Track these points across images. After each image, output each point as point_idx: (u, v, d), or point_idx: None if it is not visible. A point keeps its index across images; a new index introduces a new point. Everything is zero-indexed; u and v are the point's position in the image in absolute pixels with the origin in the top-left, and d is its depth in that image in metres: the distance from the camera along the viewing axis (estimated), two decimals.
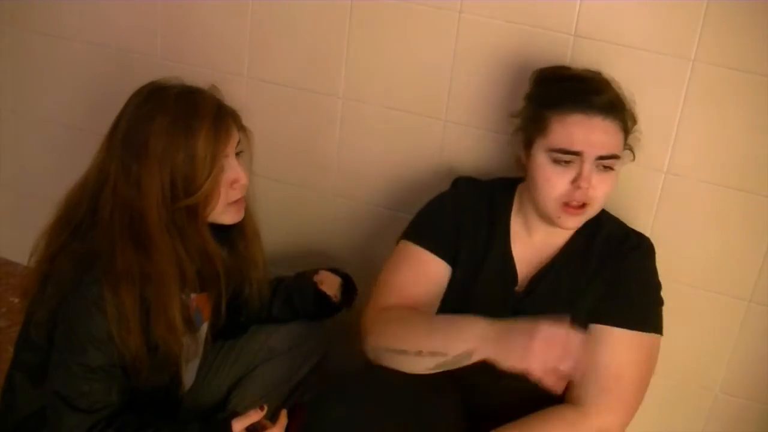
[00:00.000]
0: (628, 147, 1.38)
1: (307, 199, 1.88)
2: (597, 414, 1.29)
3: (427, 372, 1.26)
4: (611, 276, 1.36)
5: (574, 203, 1.30)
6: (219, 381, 1.62)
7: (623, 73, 1.49)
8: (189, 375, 1.48)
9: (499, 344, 1.15)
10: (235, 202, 1.36)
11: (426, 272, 1.41)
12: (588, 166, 1.27)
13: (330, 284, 1.64)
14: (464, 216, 1.44)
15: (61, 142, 2.06)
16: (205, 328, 1.48)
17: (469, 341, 1.19)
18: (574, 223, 1.33)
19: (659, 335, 1.36)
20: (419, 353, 1.25)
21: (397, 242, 1.49)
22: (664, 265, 1.47)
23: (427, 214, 1.49)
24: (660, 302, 1.39)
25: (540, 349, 1.11)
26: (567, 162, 1.29)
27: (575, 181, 1.28)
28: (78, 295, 1.23)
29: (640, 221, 1.56)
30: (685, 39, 1.45)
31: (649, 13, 1.46)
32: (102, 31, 1.91)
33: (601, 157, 1.27)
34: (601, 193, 1.30)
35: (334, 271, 1.68)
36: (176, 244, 1.29)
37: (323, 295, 1.62)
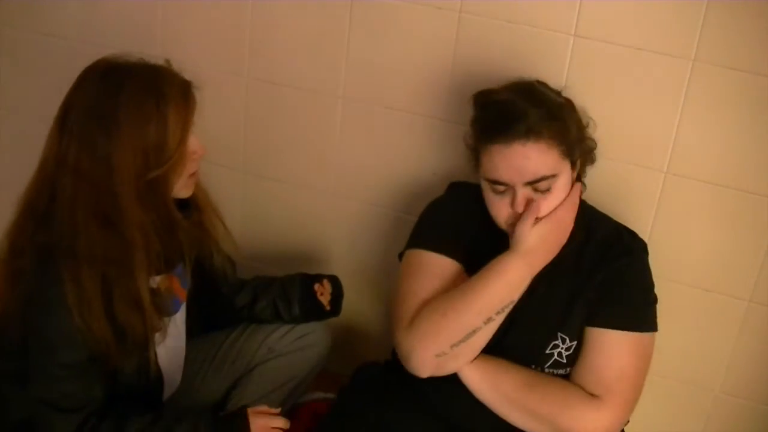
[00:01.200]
0: (585, 147, 1.37)
1: (307, 199, 1.88)
2: (602, 409, 1.32)
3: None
4: (605, 279, 1.37)
5: None
6: (218, 381, 1.61)
7: (623, 73, 1.49)
8: (169, 366, 1.46)
9: (537, 252, 1.30)
10: (192, 174, 1.35)
11: (440, 274, 1.40)
12: (520, 192, 1.29)
13: (326, 294, 1.65)
14: (461, 221, 1.44)
15: None
16: (183, 311, 1.47)
17: (528, 275, 1.30)
18: None
19: (654, 332, 1.38)
20: (489, 320, 1.31)
21: (401, 254, 1.48)
22: (664, 265, 1.47)
23: (427, 220, 1.49)
24: (654, 301, 1.40)
25: (549, 226, 1.29)
26: (502, 191, 1.31)
27: (512, 205, 1.31)
28: (40, 295, 1.22)
29: (640, 221, 1.56)
30: (685, 39, 1.45)
31: (649, 13, 1.46)
32: (101, 31, 1.91)
33: (530, 182, 1.28)
34: (544, 209, 1.30)
35: (321, 275, 1.69)
36: (144, 216, 1.27)
37: (319, 305, 1.63)
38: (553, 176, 1.29)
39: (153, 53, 1.85)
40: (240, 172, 1.90)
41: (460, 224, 1.43)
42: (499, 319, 1.31)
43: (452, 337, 1.31)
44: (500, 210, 1.33)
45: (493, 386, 1.35)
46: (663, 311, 1.40)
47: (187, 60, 1.82)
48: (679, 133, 1.51)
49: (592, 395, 1.33)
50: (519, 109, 1.28)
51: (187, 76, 1.33)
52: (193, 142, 1.32)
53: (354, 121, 1.77)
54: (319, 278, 1.67)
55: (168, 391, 1.47)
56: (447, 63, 1.64)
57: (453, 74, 1.65)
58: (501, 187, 1.31)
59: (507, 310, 1.31)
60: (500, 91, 1.35)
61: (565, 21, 1.52)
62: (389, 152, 1.76)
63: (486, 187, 1.34)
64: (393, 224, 1.81)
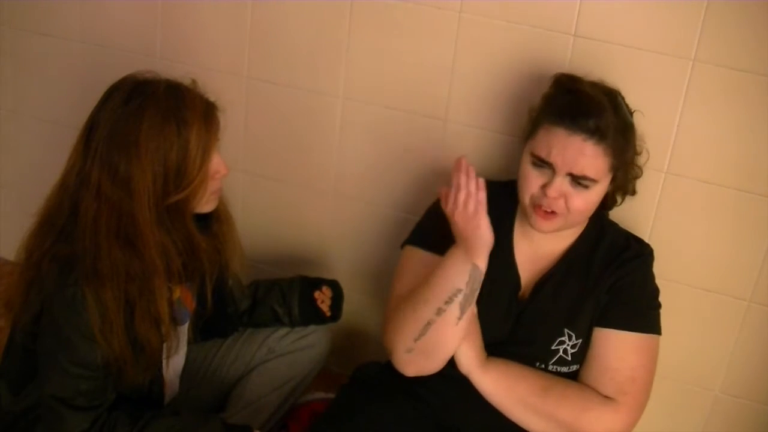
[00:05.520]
0: (633, 170, 1.40)
1: (307, 199, 1.88)
2: (618, 411, 1.34)
3: (462, 322, 1.32)
4: (613, 284, 1.38)
5: (544, 208, 1.32)
6: (217, 381, 1.62)
7: (623, 73, 1.49)
8: (172, 374, 1.47)
9: (472, 242, 1.30)
10: (215, 191, 1.36)
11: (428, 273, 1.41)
12: (559, 179, 1.29)
13: (326, 300, 1.65)
14: None
15: (61, 142, 2.04)
16: (187, 321, 1.48)
17: (464, 264, 1.30)
18: (545, 226, 1.34)
19: (659, 335, 1.39)
20: (440, 310, 1.31)
21: (402, 247, 1.50)
22: (664, 265, 1.47)
23: (429, 218, 1.50)
24: (659, 305, 1.41)
25: (464, 212, 1.30)
26: (543, 168, 1.31)
27: (545, 187, 1.31)
28: (62, 296, 1.23)
29: (640, 221, 1.57)
30: (685, 39, 1.45)
31: (650, 13, 1.46)
32: (102, 31, 1.91)
33: (573, 175, 1.29)
34: (574, 206, 1.31)
35: (321, 280, 1.69)
36: (164, 238, 1.28)
37: (319, 312, 1.63)
38: (595, 181, 1.30)
39: (153, 53, 1.87)
40: (240, 172, 1.90)
41: None
42: (450, 311, 1.31)
43: (412, 331, 1.34)
44: (531, 184, 1.33)
45: (508, 390, 1.35)
46: (663, 311, 1.40)
47: (187, 60, 1.84)
48: (679, 133, 1.51)
49: (606, 397, 1.34)
50: (599, 106, 1.29)
51: (211, 98, 1.32)
52: (216, 161, 1.33)
53: (354, 121, 1.77)
54: (318, 284, 1.67)
55: (168, 396, 1.47)
56: (447, 63, 1.64)
57: (453, 74, 1.65)
58: (543, 166, 1.31)
59: (457, 300, 1.31)
60: (587, 83, 1.36)
61: (565, 21, 1.52)
62: (389, 152, 1.76)
63: (526, 158, 1.34)
64: (393, 224, 1.81)
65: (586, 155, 1.28)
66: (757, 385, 1.65)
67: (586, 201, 1.32)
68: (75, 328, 1.23)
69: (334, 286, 1.69)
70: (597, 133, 1.27)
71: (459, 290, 1.30)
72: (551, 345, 1.38)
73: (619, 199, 1.47)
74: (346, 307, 1.70)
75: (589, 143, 1.27)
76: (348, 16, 1.68)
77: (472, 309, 1.36)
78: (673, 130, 1.51)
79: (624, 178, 1.39)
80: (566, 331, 1.37)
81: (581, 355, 1.38)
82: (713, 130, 1.49)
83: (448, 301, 1.31)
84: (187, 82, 1.32)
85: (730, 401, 1.68)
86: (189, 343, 1.50)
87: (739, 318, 1.60)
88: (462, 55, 1.63)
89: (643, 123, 1.48)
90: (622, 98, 1.38)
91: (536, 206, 1.33)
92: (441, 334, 1.32)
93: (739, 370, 1.64)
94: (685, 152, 1.52)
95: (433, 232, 1.44)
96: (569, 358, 1.38)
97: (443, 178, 1.67)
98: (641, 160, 1.43)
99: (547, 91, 1.40)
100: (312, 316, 1.63)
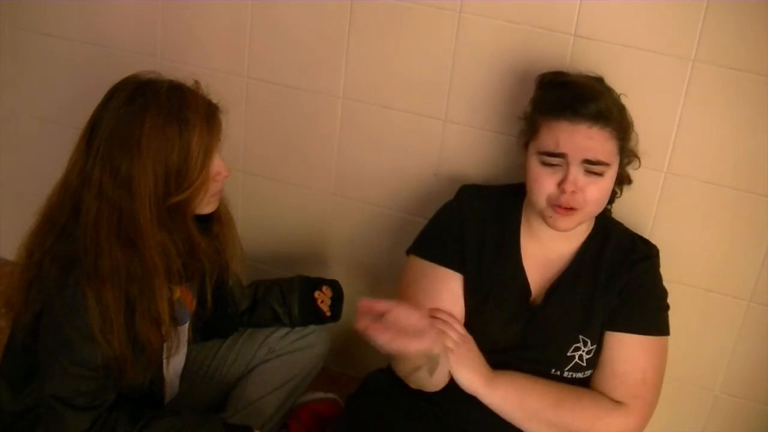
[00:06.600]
0: (630, 154, 1.39)
1: (307, 199, 1.88)
2: (631, 415, 1.35)
3: (437, 374, 1.29)
4: (623, 286, 1.38)
5: (563, 205, 1.30)
6: (217, 381, 1.62)
7: (623, 73, 1.49)
8: (172, 374, 1.47)
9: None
10: (216, 192, 1.36)
11: (440, 289, 1.40)
12: (574, 169, 1.28)
13: (326, 300, 1.65)
14: (469, 227, 1.43)
15: (61, 141, 2.04)
16: (188, 321, 1.48)
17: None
18: (565, 223, 1.32)
19: (668, 336, 1.40)
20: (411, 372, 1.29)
21: (407, 254, 1.48)
22: (664, 265, 1.47)
23: (434, 226, 1.49)
24: (668, 307, 1.42)
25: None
26: (554, 165, 1.30)
27: (561, 184, 1.29)
28: (64, 295, 1.23)
29: (640, 221, 1.56)
30: (685, 39, 1.45)
31: (649, 13, 1.46)
32: (102, 31, 1.91)
33: (588, 161, 1.28)
34: (591, 197, 1.30)
35: (321, 279, 1.69)
36: (165, 238, 1.28)
37: (319, 312, 1.63)
38: (608, 165, 1.29)
39: (153, 53, 1.87)
40: (240, 172, 1.90)
41: (466, 231, 1.43)
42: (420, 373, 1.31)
43: (400, 372, 1.33)
44: (544, 184, 1.30)
45: (518, 405, 1.34)
46: None
47: (187, 60, 1.84)
48: (679, 133, 1.51)
49: (617, 402, 1.34)
50: (594, 91, 1.29)
51: (213, 99, 1.32)
52: (218, 163, 1.33)
53: (354, 121, 1.77)
54: (318, 284, 1.67)
55: (168, 396, 1.48)
56: (447, 63, 1.64)
57: (453, 74, 1.65)
58: (555, 160, 1.29)
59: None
60: (573, 75, 1.36)
61: (565, 21, 1.52)
62: (389, 152, 1.76)
63: (535, 161, 1.32)
64: (393, 224, 1.81)
65: (594, 139, 1.27)
66: (757, 385, 1.65)
67: (601, 189, 1.31)
68: (75, 328, 1.23)
69: (334, 286, 1.69)
70: (601, 118, 1.27)
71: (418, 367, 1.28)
72: (566, 351, 1.37)
73: (618, 191, 1.46)
74: (346, 307, 1.70)
75: (595, 129, 1.27)
76: (348, 16, 1.68)
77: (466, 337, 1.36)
78: (673, 130, 1.52)
79: (625, 165, 1.39)
80: (581, 337, 1.37)
81: (596, 360, 1.38)
82: (713, 130, 1.49)
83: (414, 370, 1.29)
84: (189, 83, 1.32)
85: (729, 401, 1.68)
86: (189, 343, 1.50)
87: (738, 318, 1.60)
88: (462, 55, 1.63)
89: (643, 123, 1.48)
90: (606, 84, 1.38)
91: (554, 206, 1.30)
92: (421, 381, 1.31)
93: (739, 370, 1.64)
94: (684, 152, 1.52)
95: (436, 242, 1.44)
96: (584, 364, 1.37)
97: (442, 178, 1.68)
98: (632, 144, 1.42)
99: (535, 93, 1.39)
100: (312, 316, 1.63)
